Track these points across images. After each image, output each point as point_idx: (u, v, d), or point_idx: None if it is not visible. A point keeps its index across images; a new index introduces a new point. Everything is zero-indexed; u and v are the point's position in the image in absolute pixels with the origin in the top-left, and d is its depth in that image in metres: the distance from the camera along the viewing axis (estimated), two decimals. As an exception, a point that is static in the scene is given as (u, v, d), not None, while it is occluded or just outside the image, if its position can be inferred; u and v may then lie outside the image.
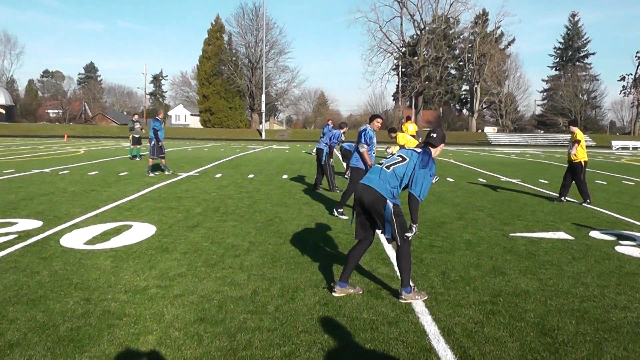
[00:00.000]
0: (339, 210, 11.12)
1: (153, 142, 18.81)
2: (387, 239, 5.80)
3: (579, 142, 13.50)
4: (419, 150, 5.99)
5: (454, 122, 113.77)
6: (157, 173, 19.12)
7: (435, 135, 6.12)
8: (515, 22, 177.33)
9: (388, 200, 5.73)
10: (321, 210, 11.86)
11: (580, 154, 13.57)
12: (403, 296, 5.84)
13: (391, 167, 5.88)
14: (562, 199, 13.73)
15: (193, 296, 5.86)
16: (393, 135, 16.50)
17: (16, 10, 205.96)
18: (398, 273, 6.10)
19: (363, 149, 10.85)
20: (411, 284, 5.92)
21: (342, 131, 15.46)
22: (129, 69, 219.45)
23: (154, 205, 11.99)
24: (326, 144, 15.31)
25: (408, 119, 25.79)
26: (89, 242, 8.27)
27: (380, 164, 6.07)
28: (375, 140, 11.08)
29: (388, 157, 6.15)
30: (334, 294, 5.96)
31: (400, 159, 5.93)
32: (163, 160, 19.29)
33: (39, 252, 7.62)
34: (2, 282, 6.24)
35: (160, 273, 6.70)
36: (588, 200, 13.38)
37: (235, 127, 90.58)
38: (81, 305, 5.51)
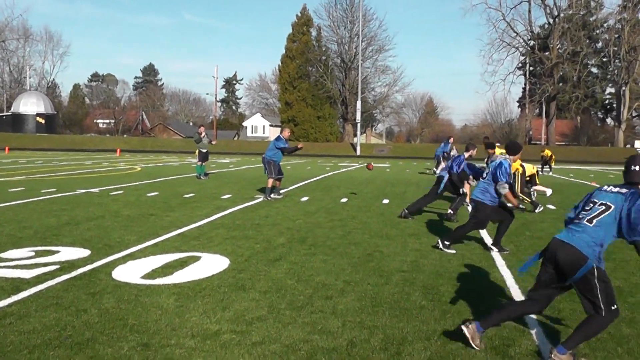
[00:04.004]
0: (446, 242, 10.93)
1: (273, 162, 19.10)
2: (586, 310, 5.58)
3: None
4: (623, 190, 5.70)
5: (595, 134, 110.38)
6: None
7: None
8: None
9: (590, 261, 5.49)
10: (431, 243, 11.70)
11: None
12: (553, 355, 5.53)
13: (594, 220, 5.65)
14: None
15: (275, 345, 5.86)
16: (491, 151, 16.39)
17: (61, 3, 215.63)
18: (572, 332, 5.80)
19: (505, 190, 10.60)
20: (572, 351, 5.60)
21: (467, 154, 15.37)
22: (196, 71, 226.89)
23: (226, 234, 12.18)
24: (450, 170, 15.31)
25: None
26: (147, 276, 8.44)
27: (580, 217, 5.84)
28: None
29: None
30: (462, 330, 5.83)
31: (604, 207, 5.67)
32: (278, 183, 19.61)
33: (86, 287, 7.84)
34: (40, 321, 6.42)
35: (235, 315, 6.74)
36: None
37: (324, 140, 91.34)
38: (138, 352, 5.59)
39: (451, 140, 20.78)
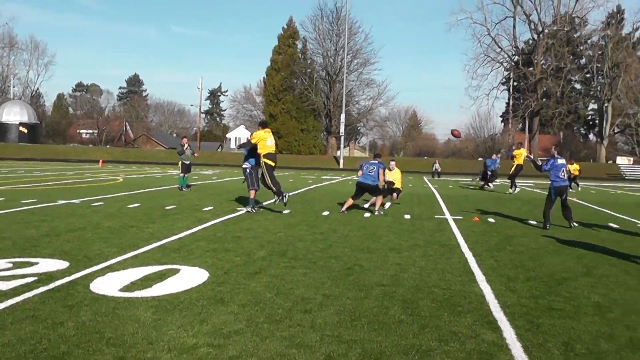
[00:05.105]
0: None
1: (250, 171, 19.09)
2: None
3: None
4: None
5: (578, 150, 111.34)
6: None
7: None
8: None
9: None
10: (412, 258, 11.69)
11: None
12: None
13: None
14: None
15: (252, 359, 5.81)
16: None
17: (46, 12, 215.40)
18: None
19: None
20: None
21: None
22: (181, 82, 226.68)
23: (207, 247, 12.12)
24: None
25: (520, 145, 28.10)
26: (126, 289, 8.38)
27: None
28: None
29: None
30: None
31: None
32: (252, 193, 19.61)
33: (64, 299, 7.76)
34: (16, 334, 6.34)
35: (213, 329, 6.69)
36: None
37: (307, 153, 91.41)
38: (113, 365, 5.52)
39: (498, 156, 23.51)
